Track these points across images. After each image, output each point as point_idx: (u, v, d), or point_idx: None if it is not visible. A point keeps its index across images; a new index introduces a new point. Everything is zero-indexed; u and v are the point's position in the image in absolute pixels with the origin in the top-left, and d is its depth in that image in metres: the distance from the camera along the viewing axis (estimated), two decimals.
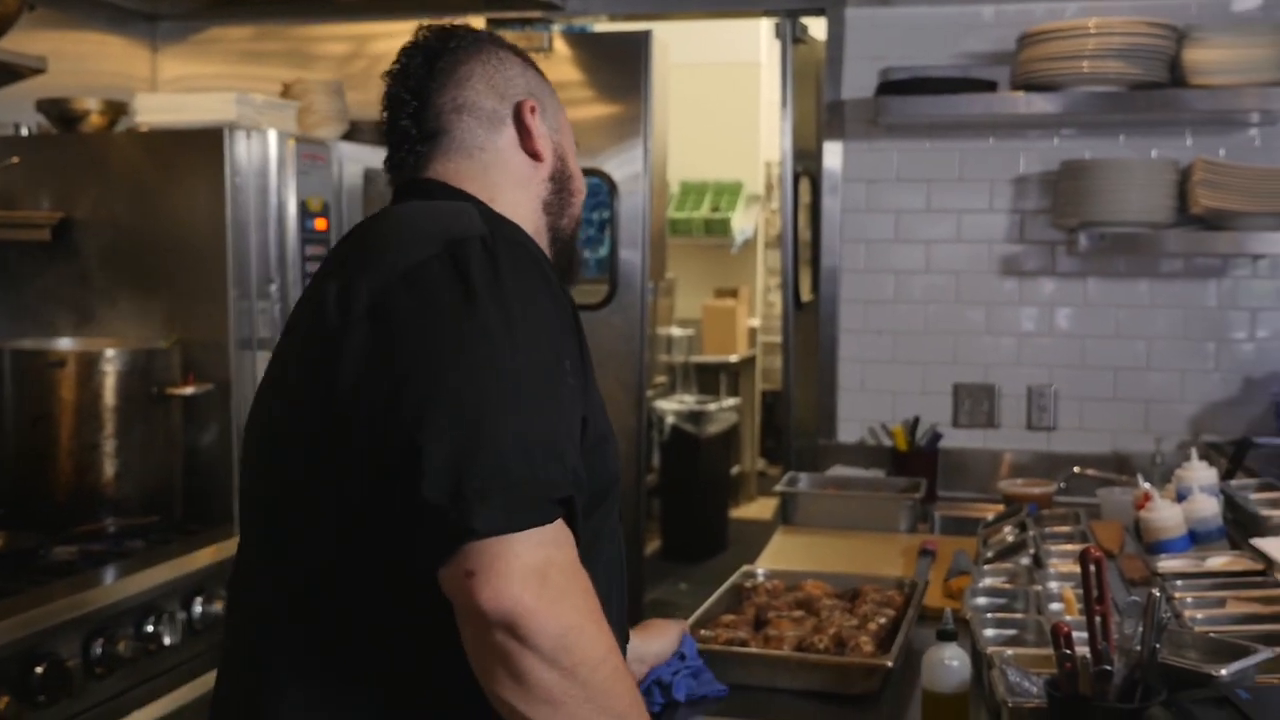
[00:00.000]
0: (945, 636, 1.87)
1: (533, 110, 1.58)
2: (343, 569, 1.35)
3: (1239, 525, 2.63)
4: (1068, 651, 1.62)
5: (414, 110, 1.54)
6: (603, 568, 1.48)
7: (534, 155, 1.59)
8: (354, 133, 3.70)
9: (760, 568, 2.49)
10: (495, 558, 1.21)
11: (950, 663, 1.84)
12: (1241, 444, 3.11)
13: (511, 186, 1.56)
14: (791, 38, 3.95)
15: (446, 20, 1.65)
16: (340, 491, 1.33)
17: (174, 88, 4.11)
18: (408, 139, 1.55)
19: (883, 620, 2.13)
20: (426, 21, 1.63)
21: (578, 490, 1.30)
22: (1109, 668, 1.60)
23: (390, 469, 1.26)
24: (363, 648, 1.35)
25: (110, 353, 2.87)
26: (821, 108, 3.86)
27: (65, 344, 3.00)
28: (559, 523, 1.27)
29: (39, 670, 2.26)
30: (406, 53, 1.58)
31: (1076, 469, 3.41)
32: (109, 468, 2.85)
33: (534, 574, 1.21)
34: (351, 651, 1.35)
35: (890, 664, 1.94)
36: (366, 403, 1.30)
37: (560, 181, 1.63)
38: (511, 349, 1.30)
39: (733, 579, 2.40)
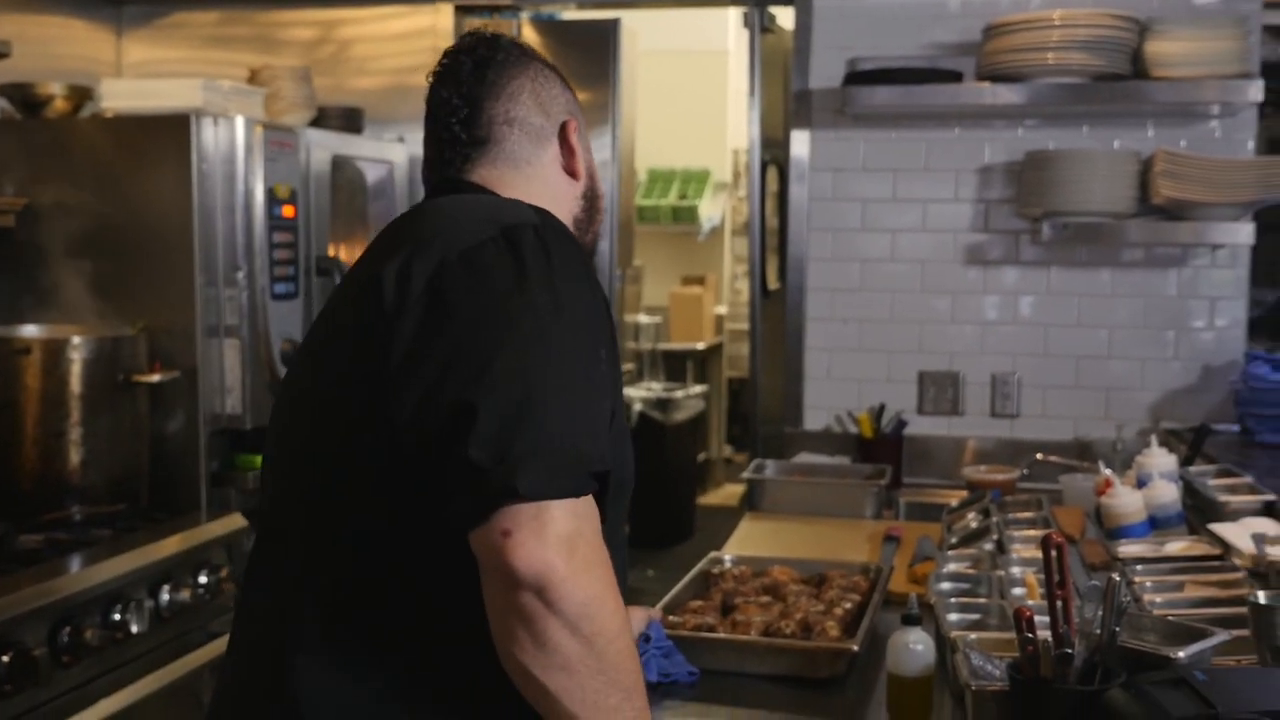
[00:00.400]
0: (910, 621, 1.90)
1: (575, 130, 1.66)
2: (377, 536, 1.39)
3: (1198, 511, 2.68)
4: (1030, 635, 1.65)
5: (465, 116, 1.61)
6: (612, 557, 1.51)
7: (572, 174, 1.67)
8: (321, 119, 3.69)
9: (728, 554, 2.52)
10: (532, 519, 1.26)
11: (915, 647, 1.87)
12: (1200, 431, 3.15)
13: (549, 200, 1.61)
14: (759, 27, 3.97)
15: (479, 23, 1.69)
16: (383, 457, 1.37)
17: (138, 73, 4.08)
18: (457, 142, 1.61)
19: (848, 605, 2.16)
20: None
21: (606, 464, 1.36)
22: (1070, 651, 1.63)
23: (437, 432, 1.31)
24: (393, 613, 1.40)
25: (76, 340, 2.86)
26: (789, 97, 3.88)
27: (31, 331, 2.99)
28: (589, 497, 1.32)
29: (5, 659, 2.25)
30: (454, 56, 1.64)
31: (1039, 456, 3.44)
32: (75, 455, 2.84)
33: (565, 541, 1.26)
34: (382, 615, 1.40)
35: (856, 648, 1.97)
36: (418, 369, 1.35)
37: (591, 200, 1.71)
38: (559, 330, 1.37)
39: (700, 565, 2.42)
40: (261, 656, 1.47)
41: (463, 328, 1.35)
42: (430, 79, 1.65)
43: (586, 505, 1.32)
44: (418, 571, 1.39)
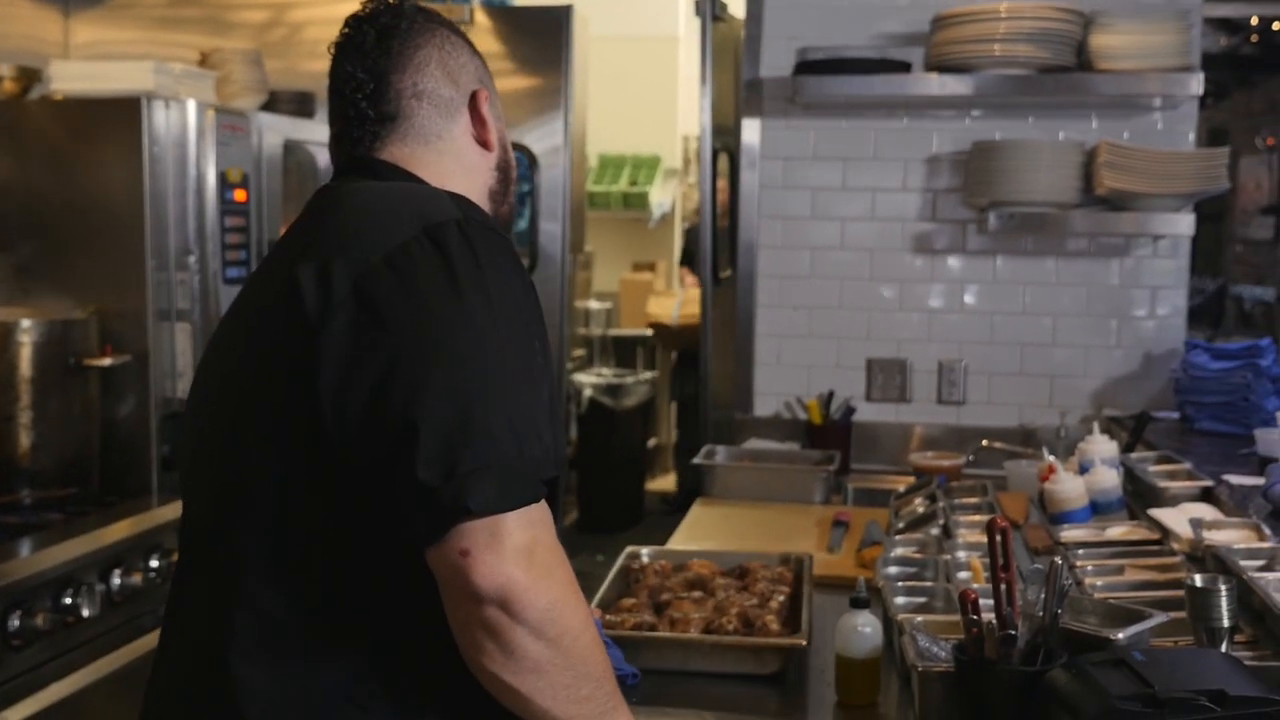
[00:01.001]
0: (858, 604, 1.94)
1: (485, 99, 1.61)
2: (318, 545, 1.37)
3: (1138, 496, 2.74)
4: (975, 617, 1.69)
5: (371, 91, 1.54)
6: None
7: (485, 145, 1.62)
8: (273, 103, 3.67)
9: (645, 548, 2.49)
10: (489, 536, 1.26)
11: (863, 629, 1.91)
12: (1141, 418, 3.22)
13: (462, 174, 1.59)
14: (711, 15, 3.99)
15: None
16: (318, 470, 1.35)
17: (86, 54, 4.05)
18: (364, 120, 1.55)
19: (781, 598, 2.17)
20: None
21: (556, 468, 1.36)
22: (1013, 632, 1.68)
23: (380, 451, 1.29)
24: (340, 615, 1.37)
25: (26, 323, 2.85)
26: (740, 85, 3.91)
27: None
28: (542, 501, 1.32)
29: None
30: (355, 26, 1.57)
31: (984, 442, 3.50)
32: (25, 439, 2.83)
33: (523, 552, 1.27)
34: (328, 617, 1.37)
35: (805, 643, 1.99)
36: (353, 385, 1.31)
37: (504, 170, 1.65)
38: (494, 332, 1.34)
39: (620, 561, 2.40)
40: (196, 667, 1.43)
41: (396, 339, 1.32)
42: (332, 50, 1.58)
43: (540, 510, 1.31)
44: (363, 576, 1.37)
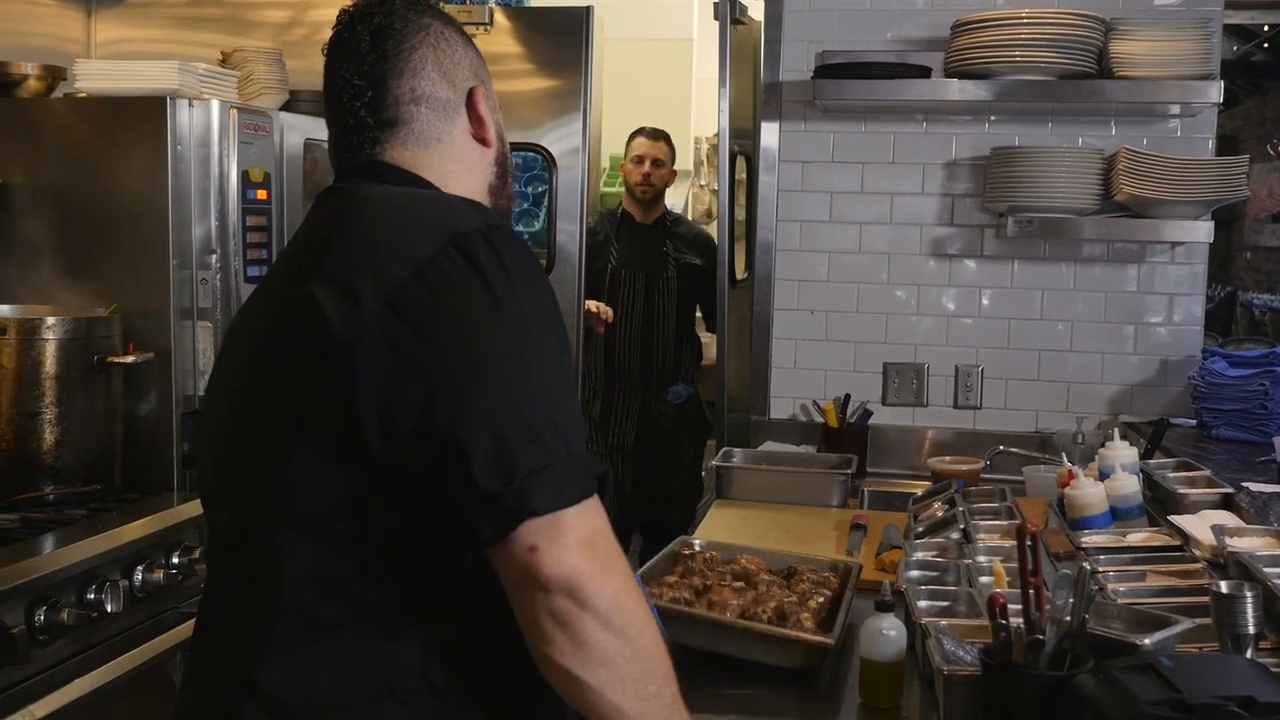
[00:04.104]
0: (883, 607, 1.95)
1: (482, 96, 1.61)
2: (362, 549, 1.38)
3: (1158, 502, 2.74)
4: (1003, 622, 1.70)
5: (369, 99, 1.54)
6: None
7: (483, 142, 1.63)
8: (293, 102, 3.68)
9: (698, 539, 2.55)
10: (555, 531, 1.28)
11: (888, 632, 1.92)
12: (1160, 424, 3.22)
13: (463, 173, 1.60)
14: (730, 18, 3.99)
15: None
16: (362, 486, 1.36)
17: (109, 53, 4.06)
18: (363, 127, 1.55)
19: (821, 599, 2.19)
20: None
21: (606, 470, 1.37)
22: (1041, 637, 1.69)
23: (433, 462, 1.31)
24: (384, 613, 1.39)
25: (51, 320, 2.86)
26: (758, 88, 3.92)
27: (5, 311, 2.98)
28: (596, 496, 1.34)
29: None
30: (348, 25, 1.57)
31: (1001, 447, 3.51)
32: (49, 436, 2.84)
33: (587, 543, 1.30)
34: (372, 616, 1.38)
35: (833, 643, 2.00)
36: (400, 402, 1.32)
37: (502, 164, 1.66)
38: (530, 338, 1.36)
39: (670, 546, 2.43)
40: (235, 668, 1.42)
41: (438, 353, 1.33)
42: (325, 51, 1.58)
43: (595, 505, 1.34)
44: (408, 577, 1.39)
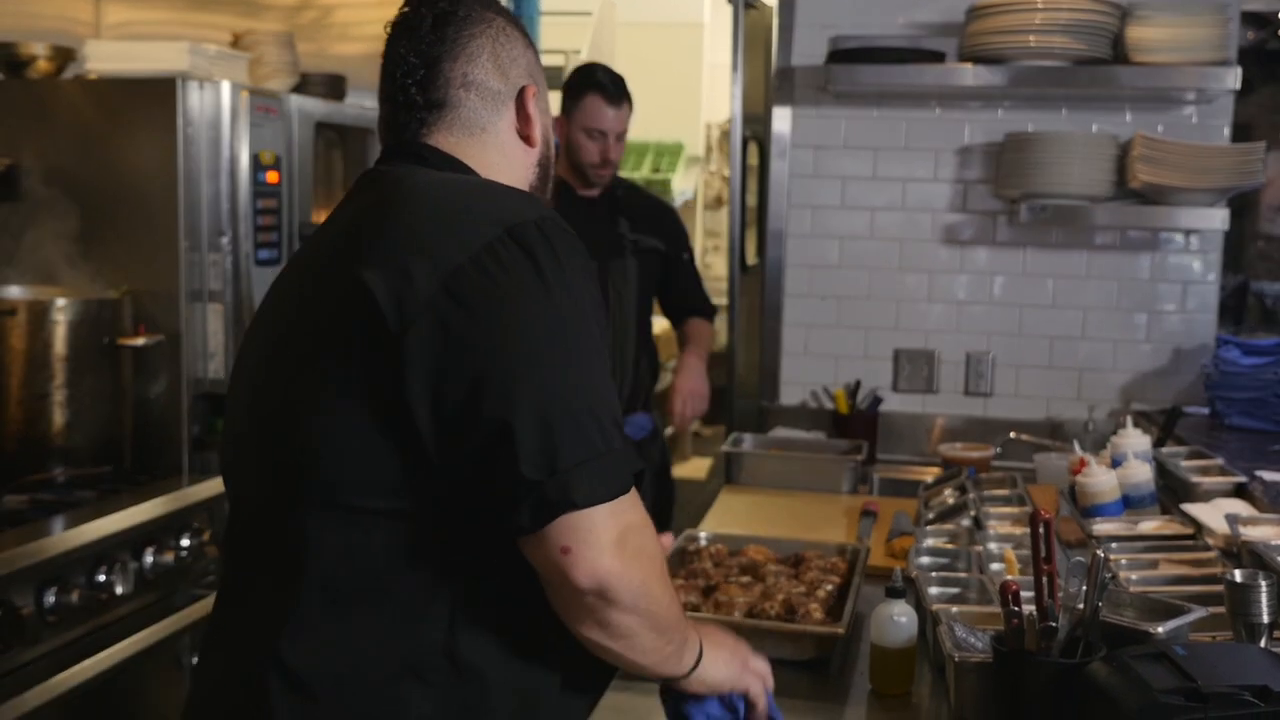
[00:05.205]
0: (894, 594, 1.94)
1: (533, 95, 1.62)
2: (392, 526, 1.39)
3: (1170, 491, 2.73)
4: (1015, 609, 1.69)
5: (421, 78, 1.56)
6: None
7: (528, 140, 1.64)
8: (303, 85, 3.67)
9: (703, 531, 2.54)
10: (587, 531, 1.32)
11: (899, 619, 1.92)
12: (1172, 413, 3.20)
13: (505, 166, 1.60)
14: (743, 2, 3.98)
15: None
16: (401, 467, 1.37)
17: (117, 34, 4.05)
18: (413, 105, 1.56)
19: (829, 587, 2.19)
20: None
21: (644, 467, 1.42)
22: (1054, 624, 1.68)
23: (477, 445, 1.32)
24: (408, 589, 1.40)
25: (61, 302, 2.86)
26: (770, 73, 3.90)
27: (15, 293, 2.97)
28: (632, 489, 1.38)
29: None
30: (415, 8, 1.59)
31: (1012, 434, 3.50)
32: (59, 417, 2.84)
33: (617, 543, 1.34)
34: (396, 592, 1.40)
35: (843, 632, 2.00)
36: (450, 386, 1.33)
37: (545, 167, 1.67)
38: (578, 329, 1.38)
39: (677, 542, 2.43)
40: (257, 642, 1.43)
41: (490, 337, 1.34)
42: (388, 29, 1.59)
43: (631, 500, 1.38)
44: (436, 554, 1.39)
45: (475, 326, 1.34)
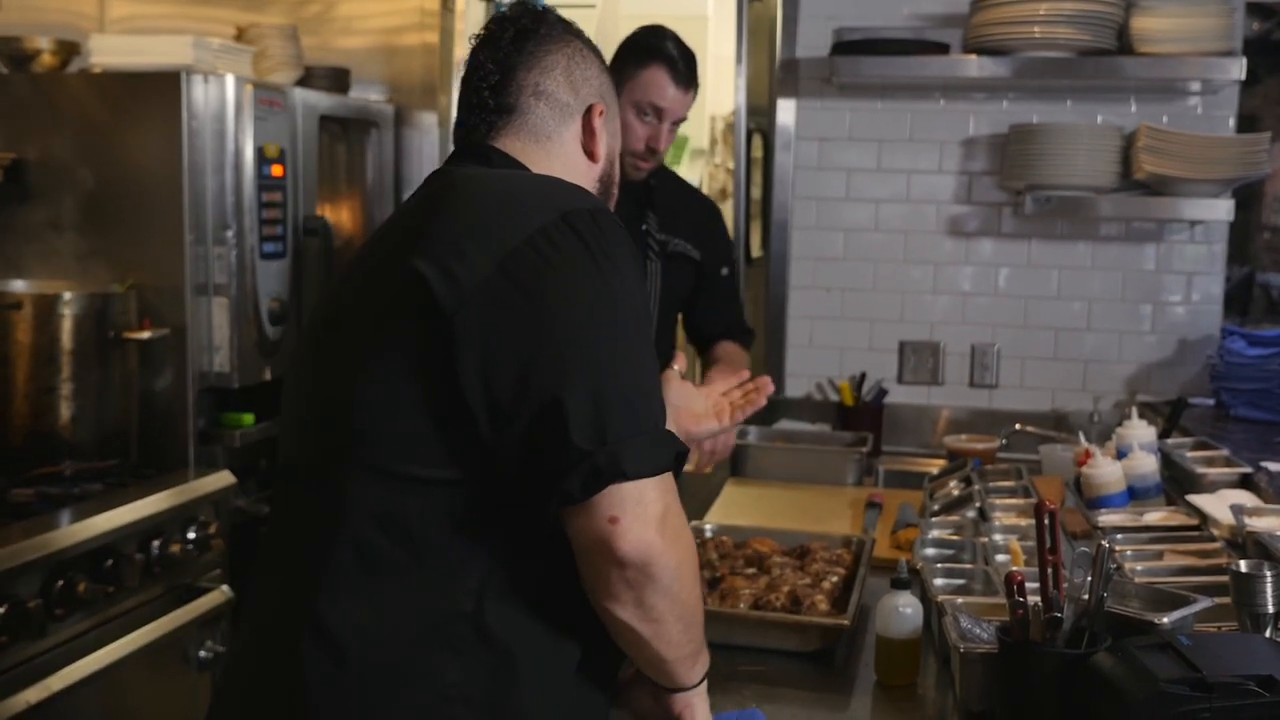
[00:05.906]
0: (900, 585, 1.94)
1: (600, 114, 1.69)
2: (433, 493, 1.42)
3: (1175, 482, 2.73)
4: (1020, 599, 1.69)
5: (495, 83, 1.64)
6: None
7: (591, 155, 1.70)
8: (308, 78, 3.67)
9: (708, 523, 2.54)
10: (635, 503, 1.35)
11: (904, 610, 1.92)
12: (1177, 404, 3.21)
13: (566, 176, 1.65)
14: None
15: None
16: (446, 434, 1.41)
17: (122, 28, 4.05)
18: (485, 109, 1.64)
19: (835, 579, 2.19)
20: None
21: (686, 448, 1.45)
22: (1059, 615, 1.68)
23: (528, 417, 1.36)
24: (443, 556, 1.43)
25: (67, 296, 2.86)
26: (775, 65, 3.89)
27: (21, 286, 2.98)
28: (672, 472, 1.41)
29: (1, 610, 2.27)
30: (499, 23, 1.67)
31: (1018, 426, 3.50)
32: (65, 411, 2.85)
33: (661, 518, 1.37)
34: (431, 558, 1.43)
35: (848, 623, 2.00)
36: (503, 359, 1.38)
37: (606, 184, 1.74)
38: (628, 313, 1.44)
39: None
40: (294, 602, 1.47)
41: (544, 314, 1.39)
42: (473, 41, 1.68)
43: (670, 479, 1.40)
44: (474, 522, 1.42)
45: (528, 303, 1.39)
